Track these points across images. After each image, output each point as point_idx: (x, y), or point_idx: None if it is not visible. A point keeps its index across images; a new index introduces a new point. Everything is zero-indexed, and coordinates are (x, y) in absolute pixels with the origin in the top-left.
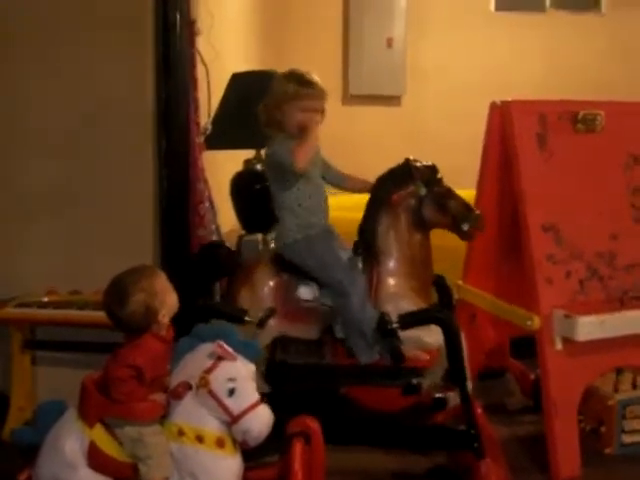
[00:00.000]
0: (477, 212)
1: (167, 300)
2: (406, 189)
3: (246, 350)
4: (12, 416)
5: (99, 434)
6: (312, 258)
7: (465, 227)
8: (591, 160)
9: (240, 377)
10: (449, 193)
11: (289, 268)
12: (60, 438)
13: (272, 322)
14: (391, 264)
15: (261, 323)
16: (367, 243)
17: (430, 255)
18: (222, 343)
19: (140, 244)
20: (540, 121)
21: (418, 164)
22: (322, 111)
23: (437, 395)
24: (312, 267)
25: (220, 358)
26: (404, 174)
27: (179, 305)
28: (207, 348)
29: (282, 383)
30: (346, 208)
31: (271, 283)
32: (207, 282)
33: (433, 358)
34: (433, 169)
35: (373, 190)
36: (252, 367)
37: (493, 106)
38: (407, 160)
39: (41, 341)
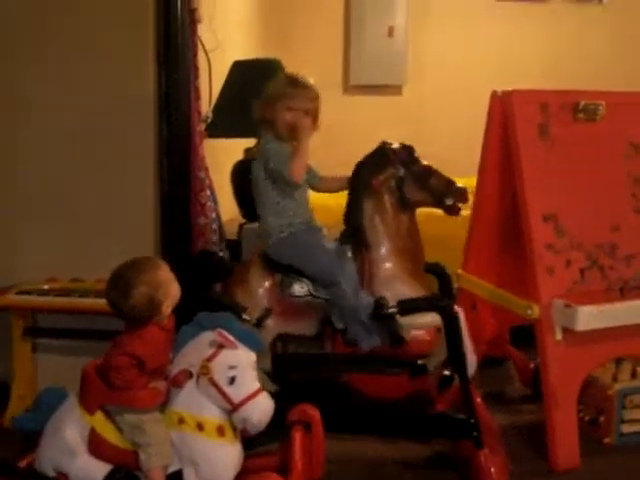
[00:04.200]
0: (459, 185)
1: (170, 291)
2: (385, 172)
3: (247, 339)
4: (13, 403)
5: (99, 421)
6: (297, 254)
7: (449, 201)
8: (592, 150)
9: (241, 365)
10: (428, 170)
11: (280, 267)
12: (61, 425)
13: (270, 322)
14: (381, 249)
15: (258, 323)
16: (354, 231)
17: (418, 235)
18: (223, 331)
19: (141, 232)
20: (541, 110)
21: (394, 146)
22: (313, 114)
23: (445, 373)
24: (299, 262)
25: (221, 346)
26: (381, 157)
27: (181, 295)
28: (208, 336)
29: (285, 374)
30: (329, 195)
31: (265, 284)
32: (201, 288)
33: (434, 339)
34: (409, 149)
35: (352, 178)
36: (253, 356)
37: (494, 95)
38: (383, 143)
39: (42, 328)
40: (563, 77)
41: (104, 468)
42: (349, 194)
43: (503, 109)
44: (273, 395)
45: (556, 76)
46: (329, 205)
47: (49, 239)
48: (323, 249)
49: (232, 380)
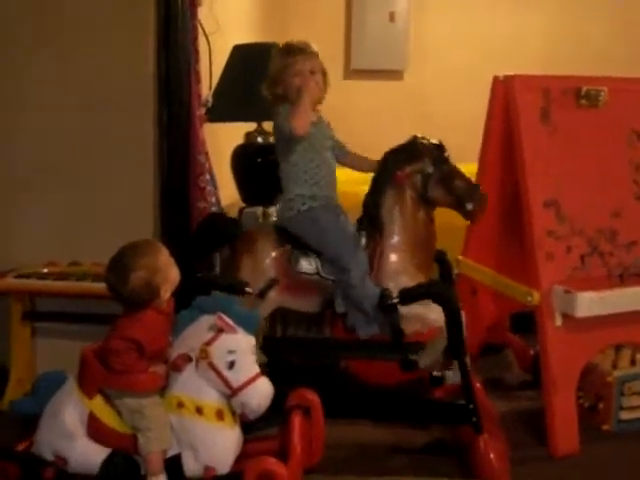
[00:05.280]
0: (481, 192)
1: (169, 275)
2: (413, 166)
3: (246, 322)
4: (11, 387)
5: (98, 405)
6: (314, 231)
7: (469, 207)
8: (594, 136)
9: (240, 350)
10: (455, 172)
11: (291, 240)
12: (59, 408)
13: (272, 294)
14: (394, 240)
15: (262, 294)
16: (371, 218)
17: (434, 232)
18: (222, 315)
19: (140, 216)
20: (543, 96)
21: (425, 141)
22: (319, 71)
23: (434, 373)
24: (314, 240)
25: (220, 330)
26: (411, 151)
27: (180, 278)
28: (208, 320)
29: (281, 356)
30: (351, 182)
31: (273, 254)
32: (208, 250)
33: (433, 334)
34: (440, 147)
35: (379, 166)
36: (252, 340)
37: (496, 81)
38: (414, 137)
39: (41, 312)
40: (565, 62)
41: (103, 452)
42: (372, 181)
43: (505, 94)
44: (263, 367)
45: (558, 61)
46: (346, 191)
47: (48, 223)
48: (340, 232)
49: (231, 364)
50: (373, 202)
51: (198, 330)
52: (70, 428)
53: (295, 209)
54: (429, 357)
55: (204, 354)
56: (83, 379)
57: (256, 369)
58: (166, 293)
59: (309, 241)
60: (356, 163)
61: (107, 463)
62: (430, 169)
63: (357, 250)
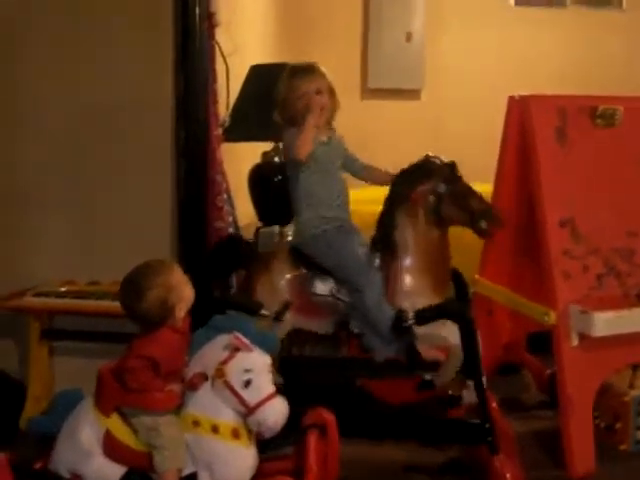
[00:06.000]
0: (495, 210)
1: (183, 294)
2: (425, 186)
3: (263, 342)
4: (29, 405)
5: (115, 423)
6: (328, 254)
7: (484, 225)
8: (610, 155)
9: (256, 369)
10: (468, 190)
11: (306, 262)
12: (76, 426)
13: (287, 315)
14: (409, 261)
15: (278, 316)
16: (385, 239)
17: (448, 252)
18: (239, 334)
19: (158, 235)
20: (559, 115)
21: (438, 161)
22: (326, 91)
23: (451, 393)
24: (329, 263)
25: (236, 349)
26: (424, 170)
27: (196, 297)
28: (224, 339)
29: (298, 375)
30: (364, 201)
31: (288, 276)
32: (225, 273)
33: (448, 353)
34: (452, 166)
35: (392, 186)
36: (268, 359)
37: (512, 100)
38: (427, 156)
39: (59, 331)
40: (581, 82)
41: (119, 470)
42: (386, 201)
43: (520, 114)
44: (278, 387)
45: (574, 81)
46: (360, 211)
47: (66, 242)
48: (354, 255)
49: (247, 383)
50: (386, 222)
51: (214, 349)
52: (86, 446)
53: (309, 233)
54: (445, 376)
55: (220, 373)
56: (100, 397)
57: (272, 388)
58: (181, 311)
59: (323, 263)
60: (372, 176)
61: None
62: (443, 188)
63: (371, 271)
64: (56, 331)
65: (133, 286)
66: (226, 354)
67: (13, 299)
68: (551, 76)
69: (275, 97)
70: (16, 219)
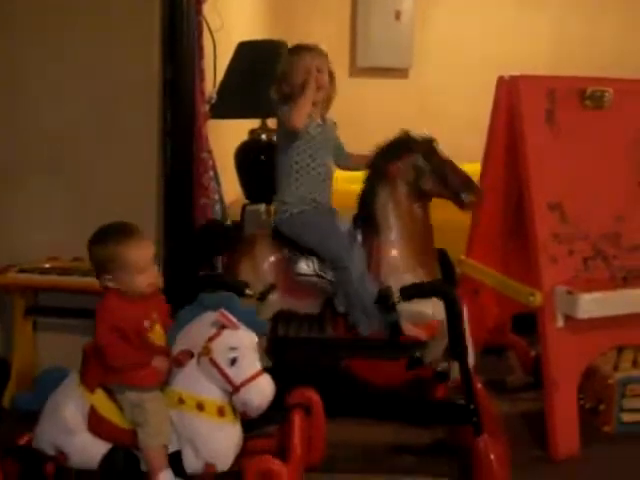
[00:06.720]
0: (476, 183)
1: (131, 266)
2: (403, 161)
3: (249, 320)
4: (13, 382)
5: (100, 399)
6: (309, 233)
7: (464, 197)
8: (599, 138)
9: (242, 346)
10: (448, 164)
11: (289, 242)
12: (60, 403)
13: (273, 297)
14: (391, 236)
15: (262, 297)
16: (366, 215)
17: (430, 226)
18: (225, 312)
19: (143, 213)
20: (548, 96)
21: (416, 135)
22: (326, 71)
23: (439, 369)
24: (309, 241)
25: (223, 327)
26: (401, 145)
27: (181, 276)
28: (210, 316)
29: (284, 356)
30: (344, 180)
31: (271, 258)
32: (207, 259)
33: (434, 331)
34: (431, 140)
35: (371, 162)
36: (255, 337)
37: (501, 80)
38: (404, 131)
39: (43, 307)
40: (572, 63)
41: (103, 447)
42: (365, 178)
43: (509, 94)
44: (268, 370)
45: (565, 62)
46: (338, 190)
47: (51, 219)
48: (334, 232)
49: (233, 361)
50: (367, 199)
51: (200, 326)
52: (71, 423)
53: (287, 212)
54: (433, 353)
55: (206, 350)
56: (85, 374)
57: (258, 366)
58: (132, 283)
59: (305, 243)
60: (358, 163)
61: (107, 458)
62: (422, 162)
63: (353, 248)
64: (40, 308)
65: (97, 233)
66: (212, 331)
67: None
68: (543, 57)
69: (276, 73)
70: None
